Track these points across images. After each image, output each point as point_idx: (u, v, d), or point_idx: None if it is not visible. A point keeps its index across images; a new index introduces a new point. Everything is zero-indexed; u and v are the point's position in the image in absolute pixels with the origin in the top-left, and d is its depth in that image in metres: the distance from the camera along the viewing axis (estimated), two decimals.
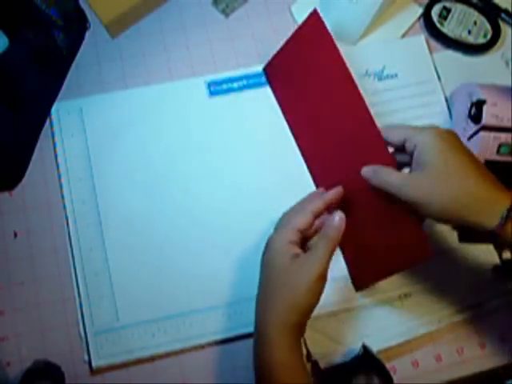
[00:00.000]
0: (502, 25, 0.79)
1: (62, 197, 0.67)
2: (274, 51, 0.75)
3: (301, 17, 0.77)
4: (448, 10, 0.78)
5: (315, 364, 0.62)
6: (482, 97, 0.67)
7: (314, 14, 0.65)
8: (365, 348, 0.61)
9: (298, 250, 0.57)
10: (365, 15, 0.74)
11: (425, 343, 0.65)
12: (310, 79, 0.67)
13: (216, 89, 0.73)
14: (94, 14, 0.74)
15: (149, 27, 0.75)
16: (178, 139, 0.70)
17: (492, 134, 0.66)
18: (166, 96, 0.72)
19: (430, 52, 0.76)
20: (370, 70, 0.75)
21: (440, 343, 0.65)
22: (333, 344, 0.63)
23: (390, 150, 0.58)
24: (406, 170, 0.57)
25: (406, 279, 0.66)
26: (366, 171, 0.57)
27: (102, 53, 0.74)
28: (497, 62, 0.78)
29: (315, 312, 0.63)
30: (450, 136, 0.54)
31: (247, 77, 0.73)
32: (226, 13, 0.77)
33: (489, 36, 0.78)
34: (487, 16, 0.78)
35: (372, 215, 0.62)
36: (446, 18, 0.78)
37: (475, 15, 0.78)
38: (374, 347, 0.62)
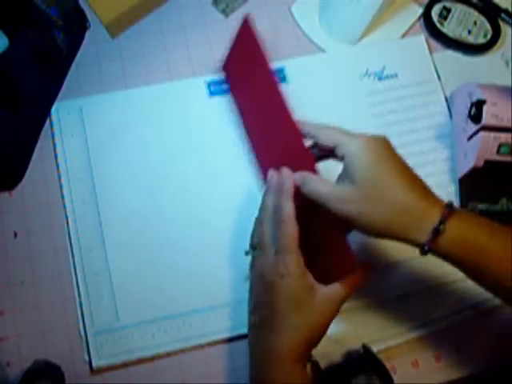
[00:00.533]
0: (502, 25, 0.79)
1: (62, 197, 0.67)
2: (273, 51, 0.74)
3: (301, 17, 0.78)
4: (448, 10, 0.78)
5: (315, 364, 0.63)
6: (482, 97, 0.67)
7: (246, 23, 0.66)
8: (365, 348, 0.61)
9: (312, 280, 0.54)
10: (365, 15, 0.74)
11: (425, 343, 0.65)
12: (249, 83, 0.67)
13: (216, 89, 0.73)
14: (94, 13, 0.74)
15: (149, 27, 0.75)
16: (177, 139, 0.70)
17: (492, 134, 0.66)
18: (166, 96, 0.72)
19: (430, 52, 0.76)
20: (370, 70, 0.75)
21: (440, 343, 0.65)
22: (333, 344, 0.63)
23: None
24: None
25: (405, 280, 0.66)
26: (297, 178, 0.55)
27: (101, 53, 0.74)
28: (497, 62, 0.78)
29: None
30: (380, 146, 0.52)
31: None
32: (225, 13, 0.77)
33: (489, 36, 0.78)
34: (487, 16, 0.78)
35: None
36: (446, 18, 0.78)
37: (475, 15, 0.78)
38: (374, 347, 0.62)
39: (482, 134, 0.66)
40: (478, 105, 0.67)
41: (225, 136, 0.70)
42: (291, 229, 0.53)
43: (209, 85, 0.73)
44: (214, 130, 0.71)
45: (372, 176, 0.51)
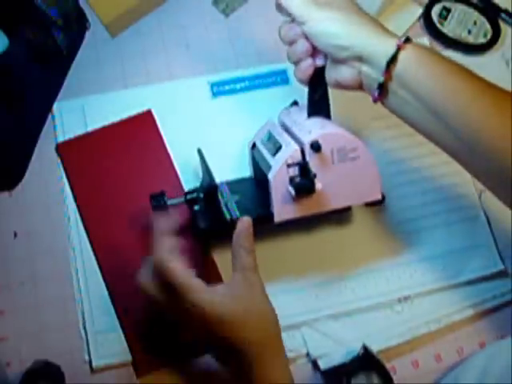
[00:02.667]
0: (502, 25, 0.79)
1: (64, 197, 0.67)
2: (273, 51, 0.75)
3: None
4: (448, 10, 0.78)
5: (315, 364, 0.63)
6: None
7: (148, 114, 0.70)
8: (365, 348, 0.61)
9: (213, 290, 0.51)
10: None
11: (425, 343, 0.65)
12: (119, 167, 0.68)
13: (219, 90, 0.73)
14: (94, 13, 0.74)
15: (149, 27, 0.75)
16: (179, 139, 0.70)
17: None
18: (168, 96, 0.72)
19: None
20: None
21: (440, 343, 0.65)
22: (333, 344, 0.63)
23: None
24: None
25: (405, 282, 0.66)
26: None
27: (101, 53, 0.74)
28: (497, 62, 0.78)
29: (315, 314, 0.64)
30: None
31: (250, 78, 0.73)
32: (225, 13, 0.77)
33: (489, 36, 0.77)
34: (487, 16, 0.78)
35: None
36: (445, 18, 0.78)
37: (475, 15, 0.78)
38: (374, 347, 0.62)
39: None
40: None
41: (228, 136, 0.70)
42: (174, 263, 0.51)
43: (212, 86, 0.73)
44: (217, 130, 0.71)
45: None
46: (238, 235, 0.54)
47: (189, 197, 0.62)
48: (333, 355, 0.63)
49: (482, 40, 0.77)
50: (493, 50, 0.78)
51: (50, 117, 0.70)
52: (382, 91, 0.53)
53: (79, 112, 0.70)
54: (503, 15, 0.79)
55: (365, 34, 0.53)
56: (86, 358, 0.62)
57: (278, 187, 0.56)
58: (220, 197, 0.61)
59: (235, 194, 0.62)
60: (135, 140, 0.69)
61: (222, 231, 0.59)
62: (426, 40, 0.77)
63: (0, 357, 0.61)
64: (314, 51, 0.57)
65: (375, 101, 0.55)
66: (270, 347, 0.52)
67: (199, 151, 0.63)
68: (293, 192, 0.55)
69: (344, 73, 0.55)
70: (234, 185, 0.65)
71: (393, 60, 0.51)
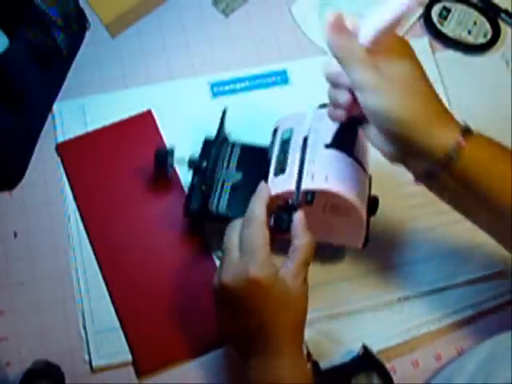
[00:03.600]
0: (502, 25, 0.79)
1: (64, 198, 0.67)
2: (273, 51, 0.75)
3: (301, 17, 0.78)
4: (448, 10, 0.78)
5: (315, 364, 0.62)
6: None
7: (148, 114, 0.70)
8: (365, 348, 0.61)
9: (280, 271, 0.53)
10: (365, 15, 0.74)
11: (425, 343, 0.65)
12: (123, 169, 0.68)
13: (219, 90, 0.73)
14: (94, 13, 0.74)
15: (149, 27, 0.75)
16: (179, 139, 0.70)
17: None
18: (168, 96, 0.72)
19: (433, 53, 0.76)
20: None
21: (440, 343, 0.65)
22: (333, 344, 0.63)
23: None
24: None
25: (405, 282, 0.66)
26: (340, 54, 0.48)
27: (102, 53, 0.74)
28: (497, 62, 0.78)
29: (315, 314, 0.64)
30: (409, 46, 0.49)
31: (250, 78, 0.73)
32: (225, 13, 0.77)
33: (489, 36, 0.77)
34: (487, 16, 0.78)
35: (167, 293, 0.63)
36: (446, 18, 0.78)
37: (475, 15, 0.78)
38: (374, 347, 0.62)
39: None
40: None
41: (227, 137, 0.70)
42: (259, 229, 0.52)
43: (212, 86, 0.73)
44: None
45: (404, 69, 0.47)
46: (299, 229, 0.54)
47: (192, 160, 0.62)
48: (333, 355, 0.62)
49: (481, 40, 0.77)
50: (493, 50, 0.78)
51: (50, 117, 0.71)
52: (430, 180, 0.49)
53: (79, 112, 0.70)
54: (503, 15, 0.79)
55: (426, 124, 0.46)
56: (86, 357, 0.62)
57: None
58: (218, 173, 0.61)
59: (239, 171, 0.62)
60: (135, 140, 0.69)
61: (209, 219, 0.60)
62: (426, 40, 0.77)
63: (0, 357, 0.61)
64: (355, 104, 0.49)
65: (417, 183, 0.51)
66: (297, 339, 0.54)
67: (224, 111, 0.63)
68: (272, 224, 0.55)
69: (386, 147, 0.49)
70: (247, 153, 0.64)
71: (452, 157, 0.46)
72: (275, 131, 0.62)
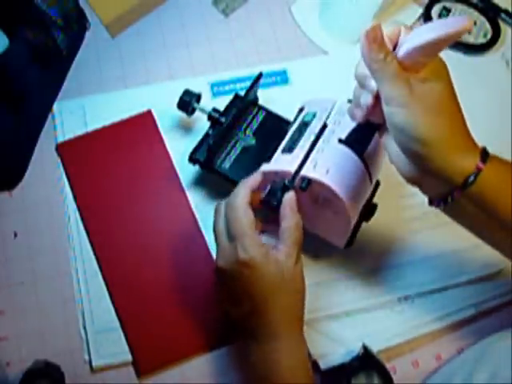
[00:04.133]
0: (502, 25, 0.79)
1: (64, 198, 0.67)
2: (273, 51, 0.75)
3: (301, 17, 0.78)
4: (448, 10, 0.78)
5: (315, 364, 0.62)
6: None
7: (148, 114, 0.70)
8: (365, 348, 0.61)
9: (272, 252, 0.53)
10: (365, 15, 0.74)
11: (425, 343, 0.65)
12: (122, 168, 0.68)
13: (219, 90, 0.73)
14: (94, 13, 0.74)
15: (149, 27, 0.75)
16: (179, 139, 0.70)
17: None
18: (168, 96, 0.72)
19: None
20: None
21: (440, 343, 0.65)
22: (333, 344, 0.63)
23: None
24: None
25: (405, 282, 0.66)
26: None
27: (102, 53, 0.74)
28: (497, 62, 0.78)
29: (315, 314, 0.64)
30: (446, 68, 0.48)
31: (250, 78, 0.73)
32: (225, 13, 0.77)
33: (489, 36, 0.78)
34: (487, 16, 0.78)
35: (167, 293, 0.63)
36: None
37: (475, 15, 0.78)
38: (374, 347, 0.62)
39: None
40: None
41: None
42: (243, 213, 0.53)
43: (212, 86, 0.73)
44: None
45: (436, 90, 0.46)
46: (287, 210, 0.54)
47: (213, 114, 0.63)
48: (333, 355, 0.63)
49: (481, 40, 0.77)
50: (493, 50, 0.78)
51: (50, 117, 0.71)
52: (446, 203, 0.49)
53: (79, 112, 0.70)
54: (503, 15, 0.79)
55: (449, 147, 0.46)
56: (86, 357, 0.62)
57: (263, 180, 0.57)
58: (234, 131, 0.63)
59: (255, 136, 0.64)
60: (135, 140, 0.69)
61: (209, 171, 0.63)
62: None
63: (0, 357, 0.61)
64: (376, 108, 0.49)
65: (431, 205, 0.51)
66: (296, 322, 0.54)
67: (260, 74, 0.64)
68: (263, 195, 0.55)
69: (404, 165, 0.49)
70: (269, 121, 0.65)
71: (470, 182, 0.46)
72: (301, 110, 0.63)
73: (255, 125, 0.65)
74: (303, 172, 0.54)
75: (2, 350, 0.62)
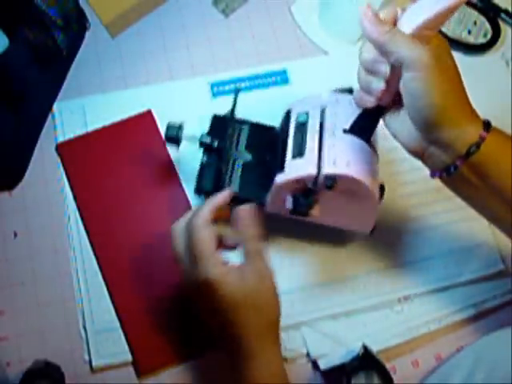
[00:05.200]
0: (502, 25, 0.79)
1: (64, 198, 0.67)
2: (273, 51, 0.75)
3: (301, 17, 0.78)
4: None
5: (315, 364, 0.63)
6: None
7: (148, 114, 0.70)
8: (365, 348, 0.61)
9: (234, 269, 0.53)
10: None
11: (425, 343, 0.65)
12: (123, 168, 0.68)
13: (219, 90, 0.73)
14: (94, 13, 0.74)
15: (149, 27, 0.75)
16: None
17: None
18: (168, 96, 0.72)
19: None
20: None
21: (440, 343, 0.65)
22: (333, 344, 0.63)
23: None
24: None
25: (405, 282, 0.66)
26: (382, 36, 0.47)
27: (102, 53, 0.74)
28: (497, 62, 0.78)
29: (315, 314, 0.64)
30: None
31: (250, 78, 0.73)
32: (225, 13, 0.77)
33: (489, 36, 0.78)
34: (487, 16, 0.78)
35: (167, 294, 0.63)
36: None
37: (475, 15, 0.78)
38: (374, 347, 0.62)
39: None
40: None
41: None
42: (204, 234, 0.52)
43: (212, 86, 0.73)
44: None
45: (446, 60, 0.48)
46: (243, 224, 0.54)
47: (203, 140, 0.62)
48: (333, 355, 0.63)
49: (481, 40, 0.77)
50: (493, 50, 0.78)
51: (50, 117, 0.71)
52: (449, 173, 0.49)
53: (79, 112, 0.70)
54: (503, 15, 0.79)
55: (458, 114, 0.47)
56: (86, 357, 0.62)
57: (280, 192, 0.57)
58: (229, 152, 0.61)
59: (248, 152, 0.62)
60: (135, 140, 0.69)
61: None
62: None
63: (0, 357, 0.61)
64: (388, 92, 0.50)
65: (433, 177, 0.51)
66: (268, 336, 0.53)
67: (237, 90, 0.63)
68: (290, 206, 0.55)
69: (410, 136, 0.50)
70: (255, 132, 0.64)
71: (474, 151, 0.47)
72: (288, 114, 0.62)
73: (244, 140, 0.64)
74: (326, 171, 0.54)
75: (2, 350, 0.62)
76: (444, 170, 0.49)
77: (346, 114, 0.56)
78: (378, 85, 0.49)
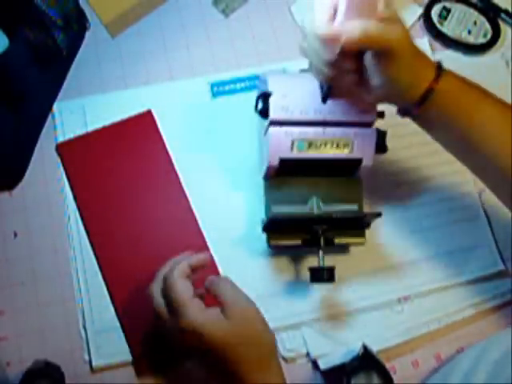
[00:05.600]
0: (502, 25, 0.79)
1: (64, 198, 0.67)
2: (273, 51, 0.75)
3: (301, 17, 0.77)
4: (448, 10, 0.78)
5: (315, 364, 0.63)
6: (269, 88, 0.59)
7: (148, 114, 0.70)
8: (365, 348, 0.61)
9: (215, 313, 0.53)
10: None
11: (425, 343, 0.65)
12: (123, 168, 0.68)
13: (219, 90, 0.72)
14: (94, 13, 0.74)
15: (149, 27, 0.75)
16: (179, 139, 0.70)
17: (283, 129, 0.59)
18: (168, 96, 0.72)
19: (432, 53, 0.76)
20: None
21: (440, 343, 0.65)
22: (333, 344, 0.63)
23: None
24: None
25: (405, 282, 0.66)
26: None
27: (101, 53, 0.74)
28: (497, 62, 0.78)
29: (316, 314, 0.64)
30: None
31: (250, 78, 0.73)
32: (225, 13, 0.77)
33: (489, 36, 0.77)
34: (487, 16, 0.78)
35: None
36: (445, 18, 0.77)
37: (475, 15, 0.78)
38: (374, 347, 0.62)
39: (271, 129, 0.59)
40: (265, 97, 0.59)
41: (228, 137, 0.70)
42: (178, 289, 0.52)
43: (212, 86, 0.73)
44: (218, 131, 0.71)
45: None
46: (211, 279, 0.56)
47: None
48: (333, 355, 0.63)
49: (481, 40, 0.77)
50: (493, 50, 0.78)
51: (50, 117, 0.71)
52: (406, 115, 0.55)
53: (79, 112, 0.70)
54: (503, 15, 0.79)
55: (412, 60, 0.52)
56: (86, 357, 0.62)
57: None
58: None
59: None
60: (135, 140, 0.69)
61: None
62: (426, 40, 0.77)
63: (0, 357, 0.61)
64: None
65: (401, 115, 0.57)
66: (268, 365, 0.53)
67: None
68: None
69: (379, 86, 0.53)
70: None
71: (425, 98, 0.53)
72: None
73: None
74: None
75: (2, 349, 0.62)
76: (402, 114, 0.56)
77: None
78: (352, 80, 0.54)
